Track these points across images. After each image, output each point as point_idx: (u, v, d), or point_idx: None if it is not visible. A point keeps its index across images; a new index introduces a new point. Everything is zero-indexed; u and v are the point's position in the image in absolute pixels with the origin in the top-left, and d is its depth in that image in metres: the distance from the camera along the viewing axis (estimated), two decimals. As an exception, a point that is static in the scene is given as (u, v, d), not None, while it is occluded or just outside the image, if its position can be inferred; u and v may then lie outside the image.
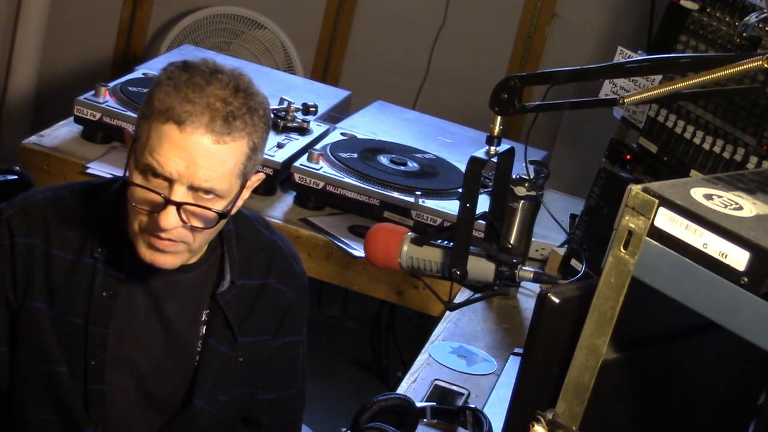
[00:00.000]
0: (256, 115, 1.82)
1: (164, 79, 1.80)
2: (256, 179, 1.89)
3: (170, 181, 1.78)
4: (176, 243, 1.83)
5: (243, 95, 1.80)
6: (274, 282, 2.01)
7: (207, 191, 1.80)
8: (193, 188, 1.79)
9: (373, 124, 3.33)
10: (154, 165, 1.78)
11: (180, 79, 1.78)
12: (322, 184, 2.86)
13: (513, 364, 2.42)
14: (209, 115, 1.76)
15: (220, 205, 1.82)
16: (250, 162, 1.84)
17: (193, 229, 1.82)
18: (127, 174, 1.83)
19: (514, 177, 2.54)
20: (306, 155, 2.91)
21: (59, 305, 1.89)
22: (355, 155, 2.97)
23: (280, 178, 2.92)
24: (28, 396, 1.92)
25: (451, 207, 2.80)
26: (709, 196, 1.40)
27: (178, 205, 1.78)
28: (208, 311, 1.96)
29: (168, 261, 1.85)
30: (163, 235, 1.81)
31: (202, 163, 1.77)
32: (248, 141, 1.81)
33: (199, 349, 1.96)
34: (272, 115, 2.99)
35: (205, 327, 1.96)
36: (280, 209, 2.88)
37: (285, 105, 3.12)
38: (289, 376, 2.10)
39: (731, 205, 1.39)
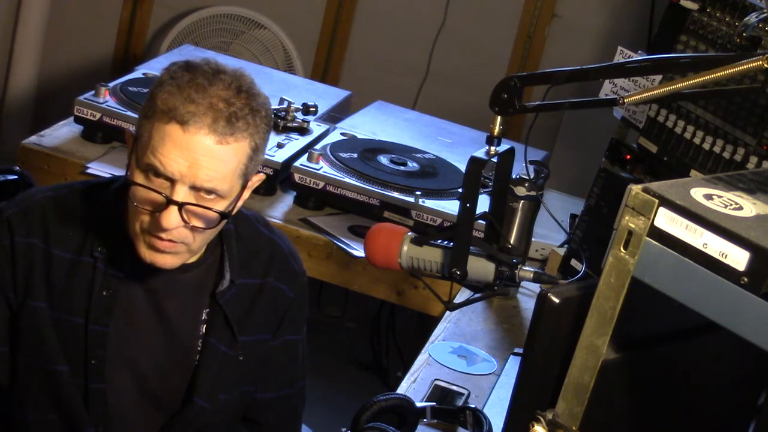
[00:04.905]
0: (258, 116, 1.82)
1: (167, 79, 1.80)
2: (256, 179, 1.90)
3: (172, 181, 1.78)
4: (176, 244, 1.83)
5: (245, 96, 1.80)
6: (274, 281, 2.02)
7: (209, 191, 1.80)
8: (194, 188, 1.79)
9: (373, 124, 3.33)
10: (156, 165, 1.78)
11: (183, 79, 1.79)
12: (322, 184, 2.86)
13: (513, 364, 2.42)
14: (212, 116, 1.77)
15: (221, 206, 1.83)
16: (252, 163, 1.84)
17: (193, 229, 1.83)
18: (128, 174, 1.83)
19: (514, 177, 2.54)
20: (306, 155, 2.91)
21: (59, 304, 1.89)
22: (355, 155, 2.97)
23: (280, 178, 2.92)
24: (28, 395, 1.92)
25: (451, 207, 2.80)
26: (709, 196, 1.40)
27: (180, 205, 1.79)
28: (208, 310, 1.96)
29: (168, 261, 1.85)
30: (164, 235, 1.81)
31: (205, 163, 1.78)
32: (250, 142, 1.81)
33: (199, 348, 1.96)
34: (272, 116, 2.99)
35: (205, 326, 1.96)
36: (280, 209, 2.88)
37: (285, 105, 3.12)
38: (290, 375, 2.10)
39: (731, 205, 1.39)
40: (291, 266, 2.06)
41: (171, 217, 1.79)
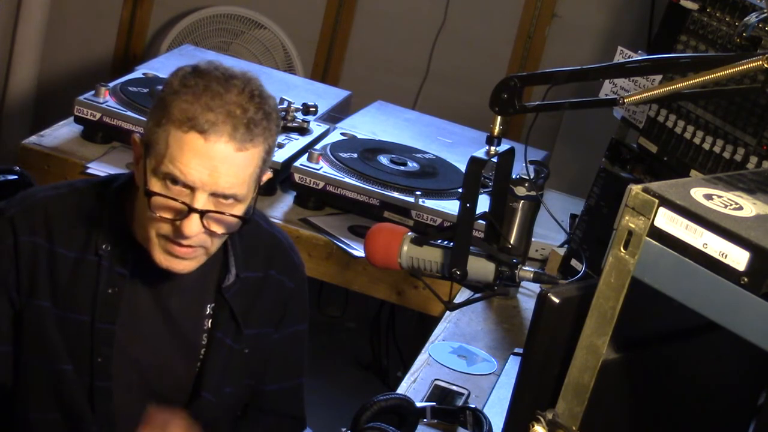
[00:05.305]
0: (271, 120, 1.84)
1: (179, 87, 1.80)
2: (265, 178, 1.91)
3: (191, 189, 1.79)
4: (195, 249, 1.85)
5: (258, 100, 1.82)
6: (276, 273, 2.04)
7: (227, 197, 1.81)
8: (214, 195, 1.81)
9: (373, 124, 3.33)
10: (176, 174, 1.78)
11: (197, 87, 1.79)
12: (322, 184, 2.86)
13: (513, 364, 2.42)
14: (231, 123, 1.78)
15: (239, 210, 1.84)
16: (265, 165, 1.87)
17: (212, 234, 1.84)
18: (145, 182, 1.82)
19: (514, 177, 2.54)
20: (306, 155, 2.91)
21: (64, 303, 1.90)
22: (355, 155, 2.97)
23: (280, 178, 2.92)
24: (31, 395, 1.93)
25: (451, 207, 2.80)
26: (709, 196, 1.40)
27: (202, 213, 1.80)
28: (213, 305, 1.97)
29: (186, 267, 1.87)
30: (184, 242, 1.82)
31: (225, 170, 1.79)
32: (265, 145, 1.84)
33: (204, 343, 1.97)
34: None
35: (210, 320, 1.97)
36: (280, 209, 2.88)
37: (285, 105, 3.12)
38: (301, 364, 2.12)
39: (731, 205, 1.39)
40: (291, 259, 2.08)
41: (192, 225, 1.80)
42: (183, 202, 1.79)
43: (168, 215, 1.81)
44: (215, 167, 1.78)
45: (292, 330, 2.08)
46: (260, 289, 2.02)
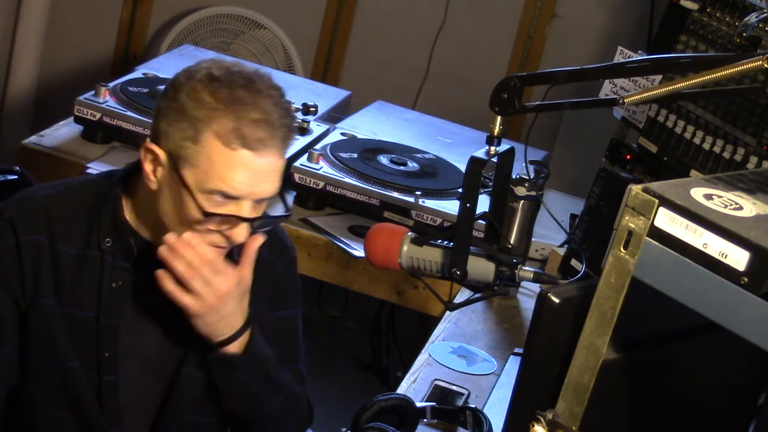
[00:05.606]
0: (292, 117, 1.90)
1: (210, 99, 1.80)
2: None
3: (235, 198, 1.82)
4: (227, 247, 1.88)
5: (281, 99, 1.87)
6: (267, 254, 2.04)
7: (266, 199, 1.86)
8: (257, 200, 1.85)
9: (373, 124, 3.33)
10: (226, 190, 1.81)
11: (229, 100, 1.80)
12: (322, 184, 2.86)
13: (513, 364, 2.42)
14: (276, 135, 1.83)
15: (265, 205, 1.89)
16: None
17: None
18: (194, 199, 1.82)
19: (514, 177, 2.54)
20: (306, 155, 2.91)
21: (68, 300, 1.90)
22: (355, 155, 2.97)
23: (280, 178, 2.92)
24: (38, 394, 1.93)
25: (451, 207, 2.80)
26: (709, 196, 1.40)
27: (251, 221, 1.84)
28: None
29: None
30: (224, 244, 1.86)
31: (269, 178, 1.84)
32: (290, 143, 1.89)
33: None
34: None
35: None
36: (279, 209, 2.88)
37: (285, 105, 3.12)
38: (296, 350, 2.11)
39: (731, 205, 1.39)
40: (282, 240, 2.10)
41: (243, 233, 1.85)
42: (236, 216, 1.83)
43: (216, 227, 1.84)
44: (261, 177, 1.82)
45: (284, 314, 2.08)
46: (254, 269, 2.02)
